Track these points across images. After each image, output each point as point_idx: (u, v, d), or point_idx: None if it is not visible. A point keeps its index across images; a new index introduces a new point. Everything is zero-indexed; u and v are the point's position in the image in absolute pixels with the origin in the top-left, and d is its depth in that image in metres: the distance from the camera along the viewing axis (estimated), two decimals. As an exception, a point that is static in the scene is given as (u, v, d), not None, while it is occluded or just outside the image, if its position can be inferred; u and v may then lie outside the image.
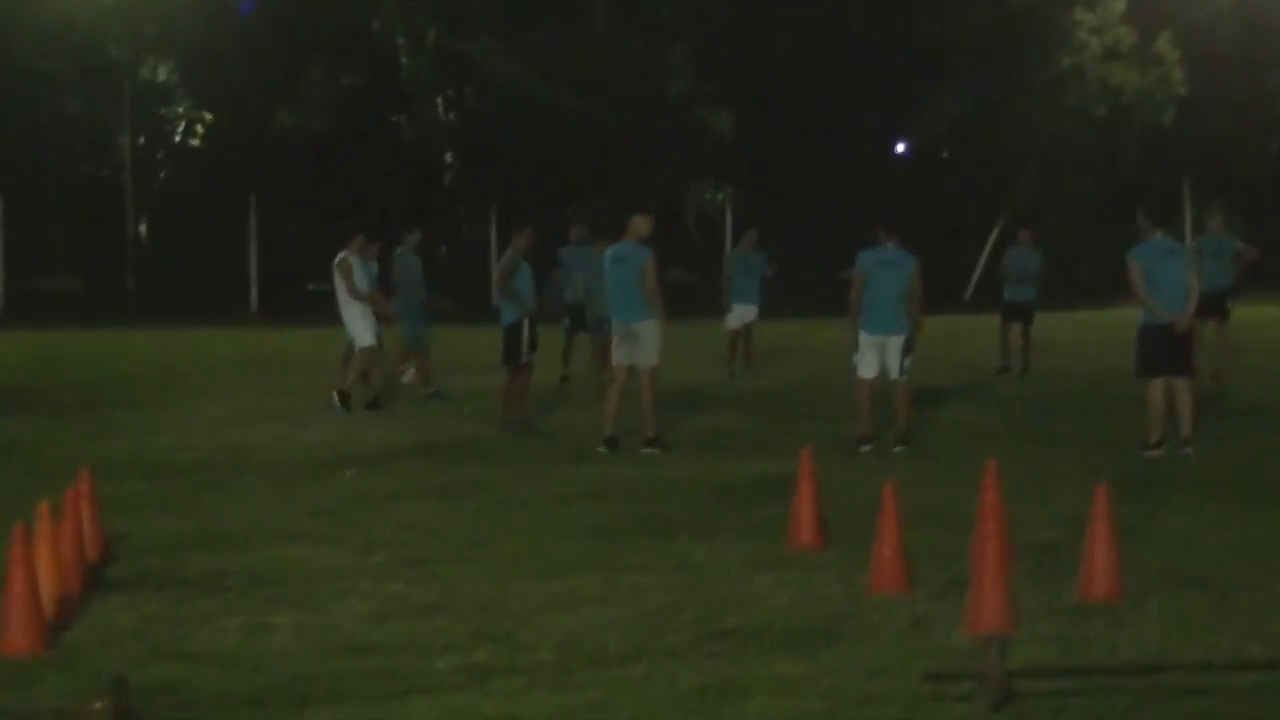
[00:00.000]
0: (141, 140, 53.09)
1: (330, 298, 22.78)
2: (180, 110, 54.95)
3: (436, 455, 17.62)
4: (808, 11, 50.55)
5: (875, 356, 17.49)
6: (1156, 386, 16.91)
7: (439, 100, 54.07)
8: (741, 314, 26.30)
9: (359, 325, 21.67)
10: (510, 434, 19.18)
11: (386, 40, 52.57)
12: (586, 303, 23.71)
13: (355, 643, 9.37)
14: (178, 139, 55.36)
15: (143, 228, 52.94)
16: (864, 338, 17.56)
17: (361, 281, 21.71)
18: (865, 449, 17.17)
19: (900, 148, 55.76)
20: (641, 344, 17.72)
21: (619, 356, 17.92)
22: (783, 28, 50.77)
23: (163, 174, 54.97)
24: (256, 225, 49.21)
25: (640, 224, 18.06)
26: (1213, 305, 24.32)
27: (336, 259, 22.04)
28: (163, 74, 54.52)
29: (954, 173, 53.97)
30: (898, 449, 17.16)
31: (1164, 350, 16.86)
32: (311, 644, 9.38)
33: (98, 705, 7.53)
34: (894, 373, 17.47)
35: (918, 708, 7.94)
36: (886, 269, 17.54)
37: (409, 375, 23.75)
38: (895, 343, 17.41)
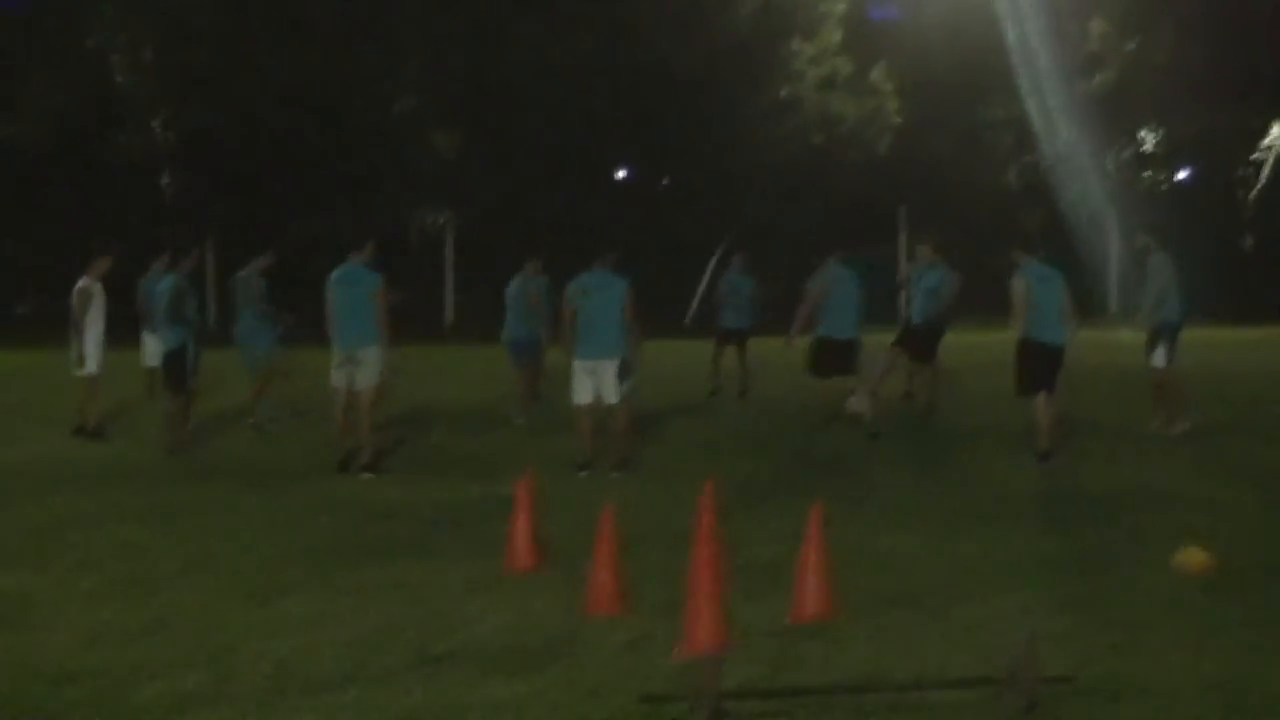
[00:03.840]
0: None
1: (49, 319, 22.16)
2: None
3: (154, 476, 17.34)
4: (533, 36, 50.62)
5: (590, 382, 17.52)
6: (1038, 402, 18.01)
7: (156, 118, 53.11)
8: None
9: (90, 351, 21.10)
10: (174, 455, 19.15)
11: (103, 56, 51.51)
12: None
13: (60, 671, 9.11)
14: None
15: None
16: (577, 363, 17.60)
17: (91, 315, 21.06)
18: (583, 474, 17.20)
19: (622, 173, 56.14)
20: (364, 367, 17.59)
21: (338, 377, 17.75)
22: (508, 52, 50.79)
23: None
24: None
25: (366, 247, 17.94)
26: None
27: (78, 286, 21.37)
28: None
29: (676, 199, 54.44)
30: (614, 474, 17.21)
31: (1039, 368, 17.94)
32: (13, 672, 9.11)
33: None
34: (609, 398, 17.51)
35: (632, 729, 7.97)
36: (596, 293, 17.58)
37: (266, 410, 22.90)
38: (608, 367, 17.44)
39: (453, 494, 16.05)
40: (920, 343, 23.30)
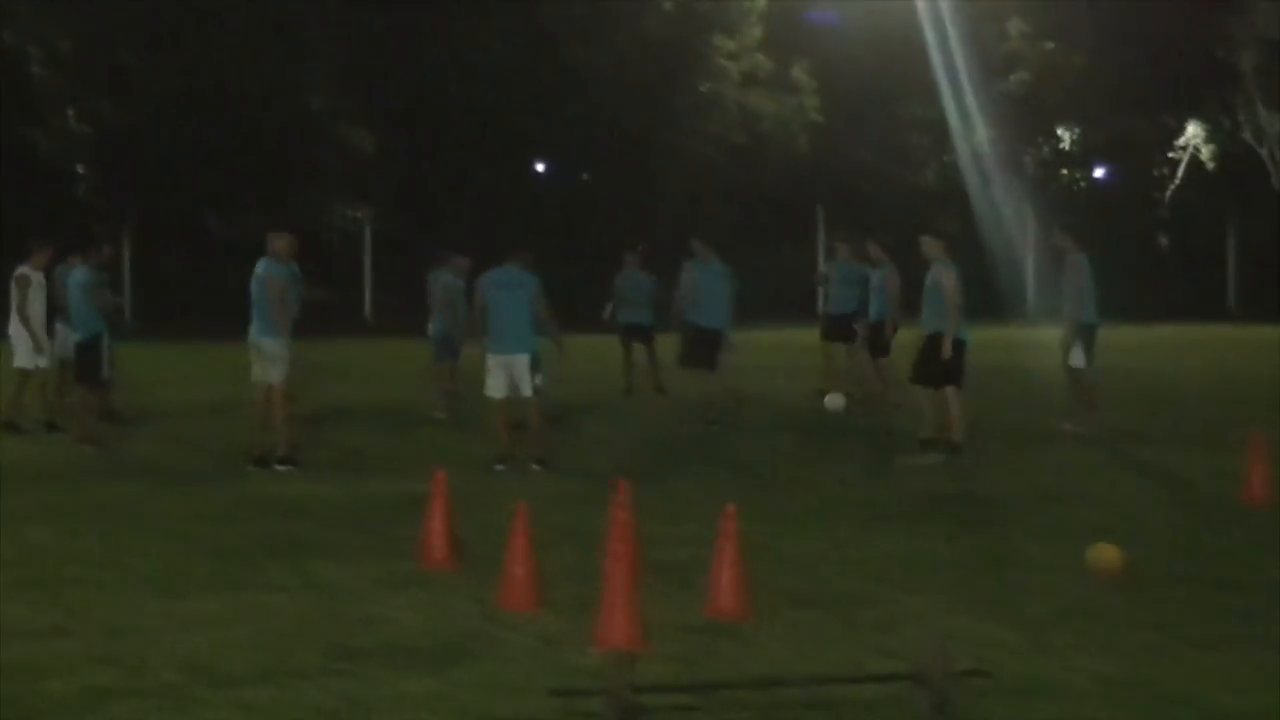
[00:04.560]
0: None
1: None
2: None
3: (64, 476, 17.21)
4: (450, 30, 50.52)
5: (503, 376, 17.56)
6: (930, 393, 18.38)
7: (71, 111, 52.68)
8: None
9: (19, 346, 20.96)
10: (85, 446, 19.09)
11: (18, 50, 51.06)
12: None
13: (-32, 669, 9.06)
14: None
15: None
16: (491, 358, 17.64)
17: (33, 304, 20.95)
18: (500, 468, 17.23)
19: (540, 168, 56.10)
20: (268, 361, 17.56)
21: (255, 373, 17.72)
22: (425, 47, 50.68)
23: None
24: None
25: (279, 242, 17.91)
26: (841, 329, 25.02)
27: (17, 272, 21.22)
28: None
29: (596, 196, 54.44)
30: (535, 467, 17.24)
31: (954, 362, 18.31)
32: (-79, 671, 9.04)
33: None
34: (524, 391, 17.57)
35: (543, 726, 7.98)
36: (506, 290, 17.66)
37: None
38: (521, 362, 17.49)
39: (368, 491, 16.03)
40: (842, 333, 24.39)
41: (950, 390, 18.40)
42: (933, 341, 18.40)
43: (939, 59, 57.54)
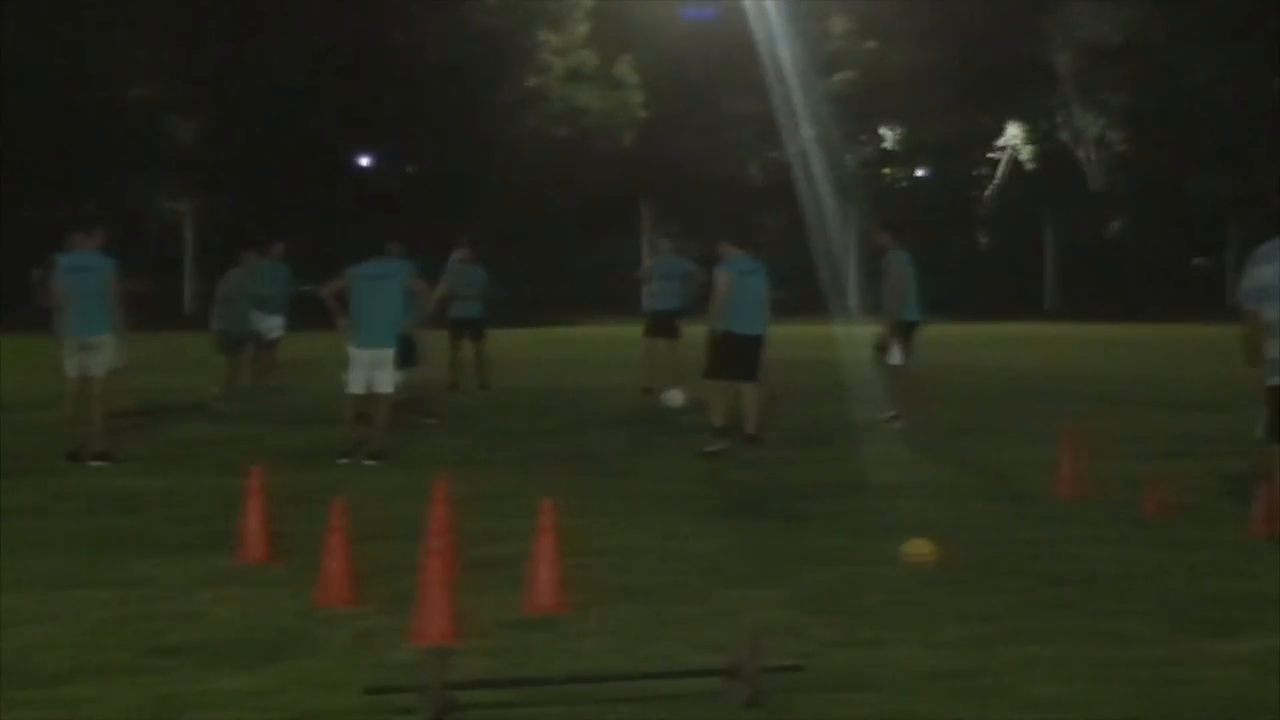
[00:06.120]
0: None
1: None
2: None
3: None
4: (273, 20, 50.07)
5: (364, 371, 17.50)
6: (718, 385, 18.59)
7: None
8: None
9: None
10: None
11: None
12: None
13: None
14: None
15: None
16: (355, 351, 17.57)
17: None
18: (343, 461, 17.18)
19: (365, 161, 55.80)
20: (99, 354, 17.28)
21: (72, 366, 17.42)
22: (248, 36, 50.22)
23: None
24: None
25: (96, 232, 17.66)
26: (664, 324, 25.12)
27: None
28: None
29: (422, 188, 54.25)
30: (370, 463, 17.17)
31: (734, 357, 18.45)
32: None
33: None
34: (381, 387, 17.52)
35: (359, 722, 7.93)
36: (374, 282, 17.62)
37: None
38: (384, 356, 17.47)
39: (188, 485, 15.86)
40: (665, 329, 25.25)
41: (748, 385, 18.62)
42: (717, 337, 18.74)
43: (765, 56, 57.92)
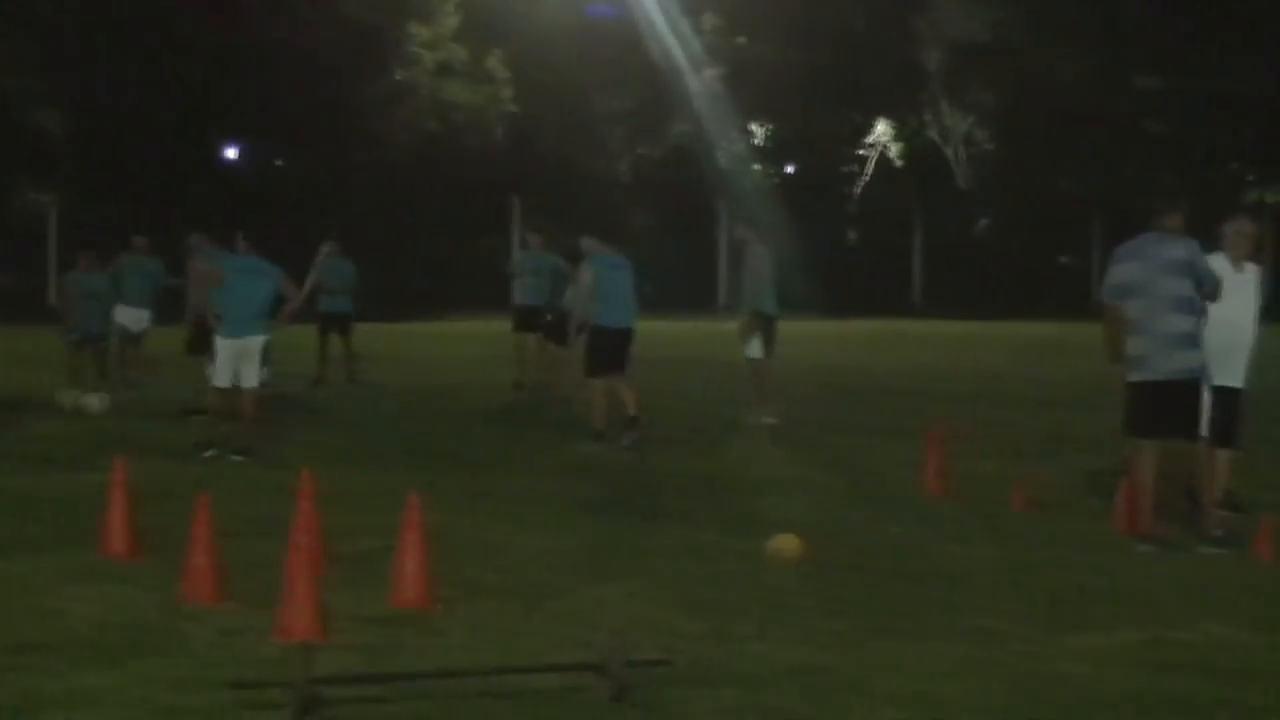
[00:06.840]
0: None
1: None
2: None
3: None
4: (138, 10, 49.57)
5: (231, 363, 17.42)
6: (601, 385, 18.91)
7: None
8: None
9: None
10: None
11: None
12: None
13: None
14: None
15: None
16: (226, 342, 17.46)
17: None
18: (210, 454, 17.13)
19: (232, 153, 55.38)
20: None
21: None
22: (112, 27, 49.69)
23: None
24: None
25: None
26: (533, 319, 25.16)
27: None
28: None
29: (289, 180, 53.89)
30: (237, 458, 17.04)
31: (610, 351, 18.88)
32: None
33: None
34: (246, 381, 17.43)
35: (223, 717, 7.87)
36: (247, 275, 17.58)
37: None
38: (253, 345, 17.40)
39: (49, 482, 15.68)
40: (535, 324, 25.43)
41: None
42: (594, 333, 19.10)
43: (636, 50, 58.03)
